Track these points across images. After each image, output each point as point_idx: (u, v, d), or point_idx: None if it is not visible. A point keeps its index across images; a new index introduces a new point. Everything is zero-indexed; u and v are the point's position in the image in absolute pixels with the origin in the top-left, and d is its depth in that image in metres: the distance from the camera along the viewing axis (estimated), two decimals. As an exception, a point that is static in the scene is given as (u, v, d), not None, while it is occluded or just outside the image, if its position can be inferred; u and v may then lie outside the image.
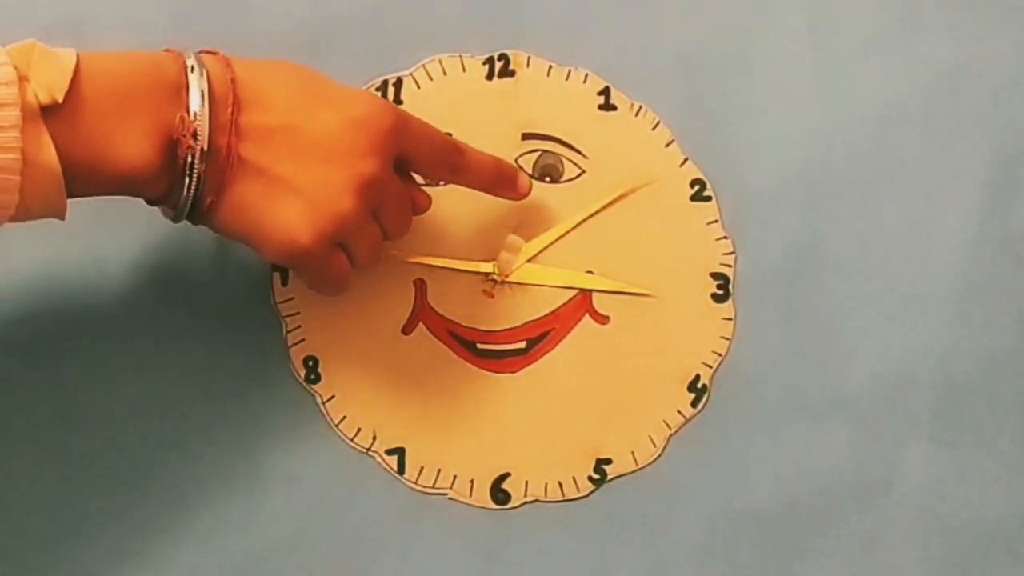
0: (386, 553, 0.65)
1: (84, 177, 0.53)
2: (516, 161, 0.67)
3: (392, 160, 0.59)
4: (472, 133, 0.67)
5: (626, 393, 0.66)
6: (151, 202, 0.58)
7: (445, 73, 0.68)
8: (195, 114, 0.55)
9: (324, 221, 0.57)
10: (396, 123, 0.59)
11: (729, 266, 0.67)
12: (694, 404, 0.67)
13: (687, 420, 0.67)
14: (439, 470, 0.66)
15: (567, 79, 0.68)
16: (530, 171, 0.67)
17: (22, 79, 0.51)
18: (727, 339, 0.67)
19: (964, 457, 0.66)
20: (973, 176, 0.68)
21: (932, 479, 0.66)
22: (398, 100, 0.68)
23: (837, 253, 0.68)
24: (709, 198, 0.68)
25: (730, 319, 0.67)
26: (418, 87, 0.68)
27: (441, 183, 0.66)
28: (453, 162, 0.63)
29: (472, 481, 0.66)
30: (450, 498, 0.66)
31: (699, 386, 0.67)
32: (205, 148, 0.55)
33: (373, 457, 0.66)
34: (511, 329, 0.67)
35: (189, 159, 0.55)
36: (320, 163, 0.57)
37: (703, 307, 0.67)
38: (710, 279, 0.67)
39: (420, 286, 0.67)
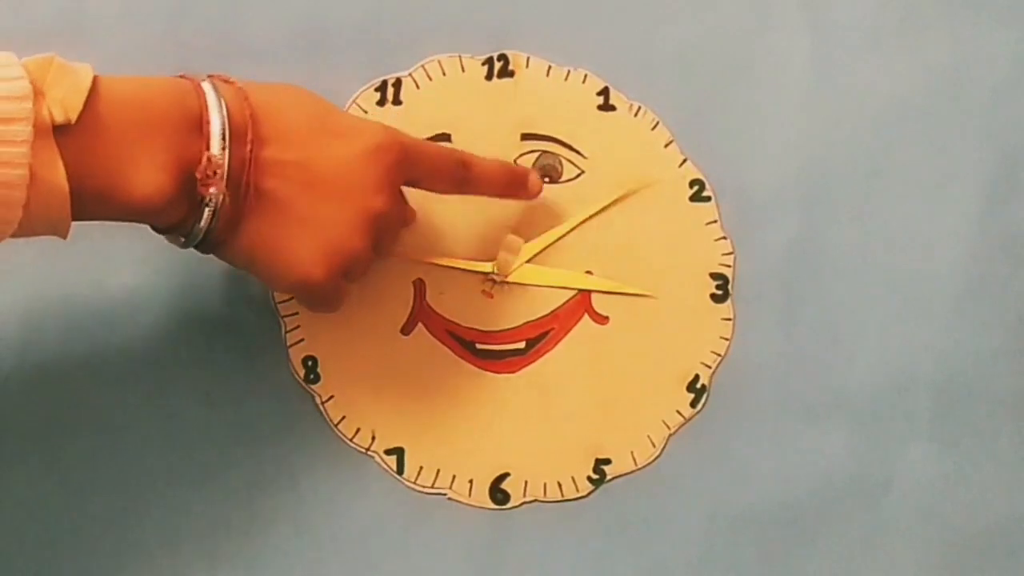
0: (385, 553, 0.65)
1: (93, 202, 0.53)
2: (515, 161, 0.67)
3: (399, 189, 0.60)
4: (471, 133, 0.67)
5: (625, 393, 0.66)
6: (160, 230, 0.58)
7: (444, 73, 0.68)
8: (216, 152, 0.55)
9: (335, 256, 0.58)
10: (402, 153, 0.59)
11: (728, 266, 0.67)
12: (693, 404, 0.67)
13: (686, 420, 0.66)
14: (438, 470, 0.66)
15: (566, 79, 0.68)
16: (530, 171, 0.68)
17: (37, 94, 0.50)
18: (726, 339, 0.67)
19: (964, 457, 0.66)
20: (973, 176, 0.68)
21: (932, 479, 0.66)
22: (397, 100, 0.68)
23: (836, 253, 0.68)
24: (708, 198, 0.68)
25: (729, 319, 0.67)
26: (417, 87, 0.68)
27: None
28: (461, 177, 0.63)
29: (471, 481, 0.66)
30: (449, 498, 0.66)
31: (698, 386, 0.67)
32: (225, 188, 0.55)
33: (372, 457, 0.66)
34: (510, 329, 0.67)
35: (208, 197, 0.55)
36: (333, 198, 0.57)
37: (702, 307, 0.67)
38: (709, 279, 0.67)
39: (419, 286, 0.67)
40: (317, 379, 0.66)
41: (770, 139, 0.68)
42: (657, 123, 0.68)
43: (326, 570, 0.65)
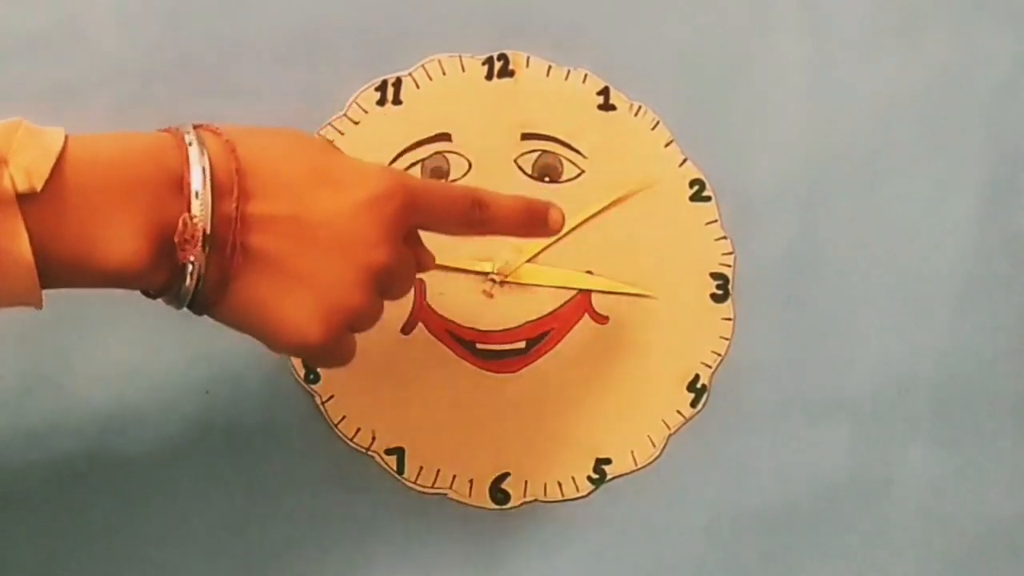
0: (385, 553, 0.65)
1: (65, 270, 0.50)
2: (515, 161, 0.67)
3: (402, 238, 0.56)
4: (471, 133, 0.67)
5: (625, 393, 0.66)
6: (148, 295, 0.55)
7: (444, 73, 0.68)
8: (196, 213, 0.51)
9: (335, 315, 0.54)
10: (406, 200, 0.55)
11: (728, 266, 0.67)
12: (693, 404, 0.67)
13: (686, 420, 0.66)
14: (438, 470, 0.66)
15: (566, 79, 0.68)
16: (529, 171, 0.67)
17: (0, 161, 0.48)
18: (726, 339, 0.67)
19: (964, 457, 0.66)
20: (973, 176, 0.68)
21: (932, 479, 0.66)
22: (397, 100, 0.68)
23: (837, 253, 0.68)
24: (708, 198, 0.68)
25: (729, 319, 0.67)
26: (417, 87, 0.68)
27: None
28: (475, 218, 0.59)
29: (471, 481, 0.66)
30: (449, 498, 0.66)
31: (698, 386, 0.67)
32: (207, 249, 0.51)
33: (372, 457, 0.66)
34: (510, 329, 0.67)
35: (191, 260, 0.51)
36: (329, 253, 0.54)
37: (702, 307, 0.67)
38: (709, 279, 0.67)
39: (419, 286, 0.67)
40: (317, 379, 0.66)
41: (770, 139, 0.68)
42: (657, 123, 0.68)
43: (326, 570, 0.65)
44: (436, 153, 0.67)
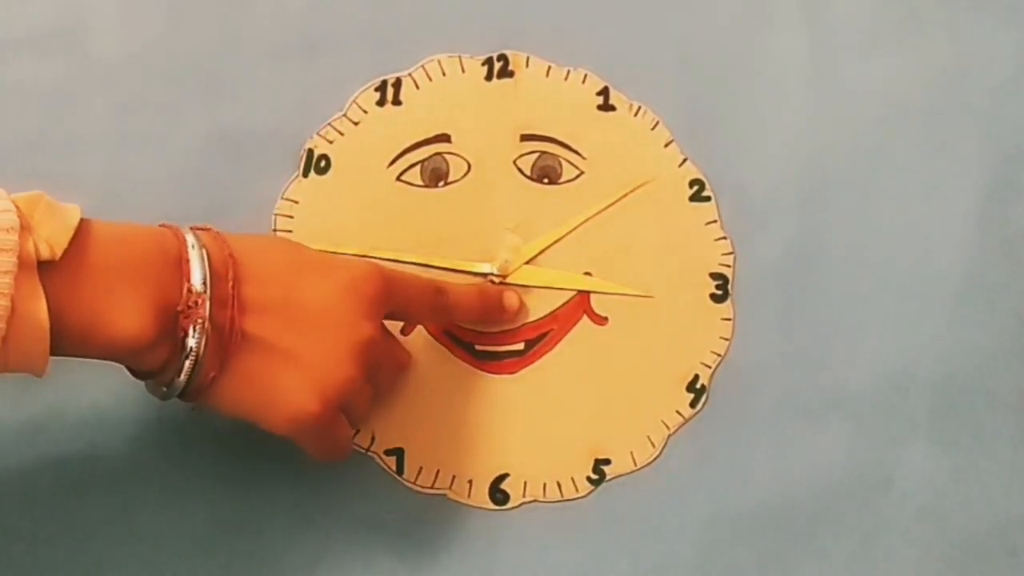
0: (385, 553, 0.65)
1: (73, 339, 0.52)
2: (515, 162, 0.67)
3: (382, 319, 0.60)
4: (471, 133, 0.67)
5: (625, 394, 0.66)
6: (143, 375, 0.57)
7: (444, 73, 0.68)
8: (197, 289, 0.54)
9: (329, 389, 0.57)
10: (384, 283, 0.59)
11: (728, 266, 0.67)
12: (693, 404, 0.67)
13: (686, 420, 0.67)
14: (438, 470, 0.66)
15: (566, 79, 0.68)
16: (529, 172, 0.67)
17: (24, 228, 0.51)
18: (726, 339, 0.67)
19: (963, 457, 0.66)
20: (973, 176, 0.68)
21: (931, 479, 0.66)
22: (397, 100, 0.68)
23: (836, 253, 0.68)
24: (708, 198, 0.68)
25: (729, 319, 0.67)
26: (417, 87, 0.68)
27: (440, 184, 0.67)
28: (440, 304, 0.63)
29: (471, 481, 0.66)
30: (449, 498, 0.66)
31: (698, 386, 0.67)
32: (208, 322, 0.54)
33: (372, 457, 0.66)
34: (509, 330, 0.67)
35: (192, 331, 0.54)
36: (319, 332, 0.57)
37: (702, 307, 0.67)
38: (709, 279, 0.67)
39: (419, 286, 0.67)
40: (317, 379, 0.66)
41: (770, 139, 0.68)
42: (657, 123, 0.68)
43: (326, 570, 0.65)
44: (435, 154, 0.67)
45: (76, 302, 0.52)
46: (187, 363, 0.55)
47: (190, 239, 0.56)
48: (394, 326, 0.66)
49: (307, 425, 0.57)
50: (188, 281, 0.55)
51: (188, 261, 0.55)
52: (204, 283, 0.55)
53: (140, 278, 0.54)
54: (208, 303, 0.55)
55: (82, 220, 0.53)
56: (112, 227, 0.55)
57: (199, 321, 0.54)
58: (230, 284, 0.56)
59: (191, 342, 0.54)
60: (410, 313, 0.63)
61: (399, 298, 0.61)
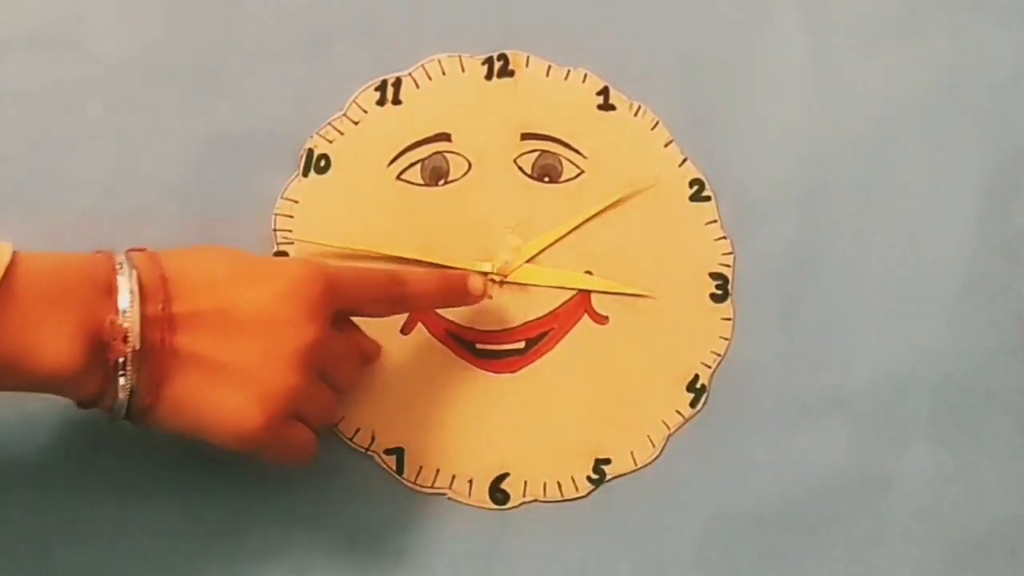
0: (385, 553, 0.65)
1: (4, 372, 0.52)
2: (515, 161, 0.67)
3: (330, 320, 0.58)
4: (471, 133, 0.67)
5: (625, 393, 0.66)
6: (84, 404, 0.56)
7: (444, 73, 0.68)
8: (124, 313, 0.53)
9: (273, 399, 0.56)
10: (327, 284, 0.58)
11: (728, 266, 0.67)
12: (693, 404, 0.67)
13: (686, 420, 0.66)
14: (438, 470, 0.66)
15: (566, 79, 0.68)
16: (529, 171, 0.67)
17: None
18: (726, 339, 0.67)
19: (963, 457, 0.66)
20: (973, 176, 0.69)
21: (931, 479, 0.66)
22: (397, 100, 0.68)
23: (836, 253, 0.68)
24: (708, 198, 0.68)
25: (729, 319, 0.67)
26: (417, 87, 0.68)
27: (441, 183, 0.67)
28: (396, 295, 0.62)
29: (471, 481, 0.66)
30: (449, 498, 0.66)
31: (698, 386, 0.67)
32: (137, 349, 0.54)
33: (372, 457, 0.66)
34: (510, 329, 0.67)
35: (121, 361, 0.54)
36: (258, 341, 0.56)
37: (702, 307, 0.67)
38: (709, 279, 0.67)
39: (419, 286, 0.67)
40: (317, 379, 0.66)
41: (770, 139, 0.68)
42: (657, 123, 0.68)
43: (326, 570, 0.65)
44: (436, 153, 0.67)
45: (4, 336, 0.52)
46: (120, 389, 0.54)
47: (120, 263, 0.55)
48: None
49: (255, 439, 0.56)
50: (115, 309, 0.54)
51: (116, 288, 0.54)
52: (132, 307, 0.54)
53: (68, 307, 0.53)
54: (137, 327, 0.54)
55: (15, 254, 0.53)
56: (44, 258, 0.54)
57: (129, 346, 0.54)
58: (160, 304, 0.55)
59: (121, 369, 0.54)
60: (364, 308, 0.62)
61: (348, 295, 0.60)
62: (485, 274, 0.67)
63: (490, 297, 0.67)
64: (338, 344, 0.60)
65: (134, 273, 0.55)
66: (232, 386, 0.55)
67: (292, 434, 0.59)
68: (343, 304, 0.60)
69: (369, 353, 0.64)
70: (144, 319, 0.54)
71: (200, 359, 0.55)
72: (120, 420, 0.56)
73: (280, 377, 0.56)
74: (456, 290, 0.65)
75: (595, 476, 0.66)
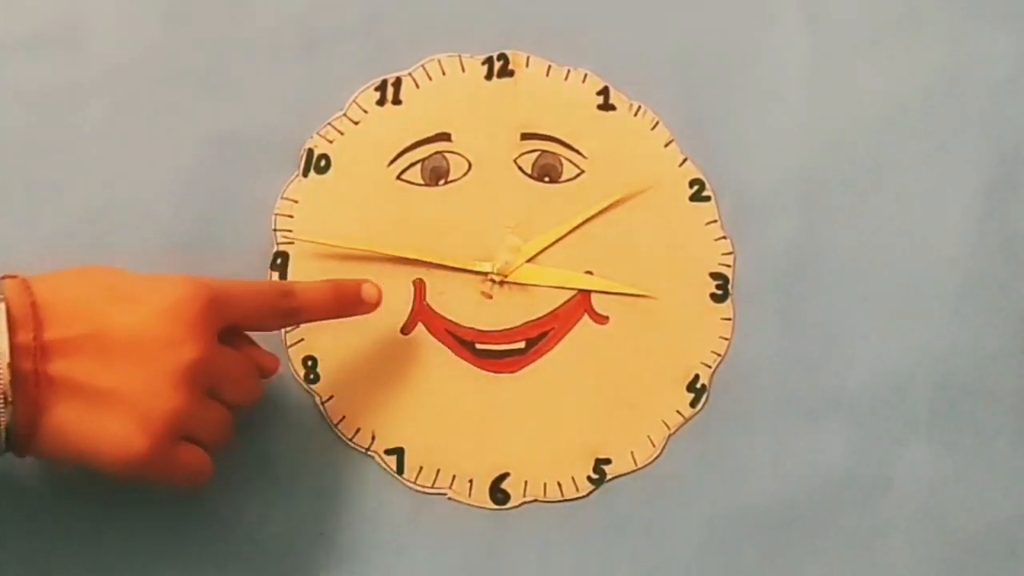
0: (385, 553, 0.65)
1: None
2: (515, 161, 0.67)
3: (215, 336, 0.57)
4: (471, 133, 0.67)
5: (625, 393, 0.66)
6: None
7: (444, 73, 0.68)
8: None
9: (156, 423, 0.54)
10: (209, 300, 0.56)
11: (728, 266, 0.67)
12: (693, 404, 0.67)
13: (686, 420, 0.66)
14: (438, 470, 0.66)
15: (566, 79, 0.68)
16: (529, 171, 0.67)
17: None
18: (726, 339, 0.67)
19: (963, 457, 0.66)
20: (973, 176, 0.68)
21: (931, 479, 0.66)
22: (397, 100, 0.68)
23: (836, 253, 0.68)
24: (708, 198, 0.68)
25: (729, 319, 0.67)
26: (417, 87, 0.68)
27: (441, 183, 0.66)
28: (285, 308, 0.61)
29: (471, 481, 0.66)
30: (449, 498, 0.66)
31: (698, 386, 0.67)
32: (7, 381, 0.52)
33: (372, 457, 0.66)
34: (510, 329, 0.67)
35: None
36: (136, 364, 0.54)
37: (702, 307, 0.67)
38: (709, 279, 0.67)
39: (419, 286, 0.67)
40: (317, 379, 0.66)
41: (770, 139, 0.68)
42: (657, 123, 0.68)
43: (326, 570, 0.65)
44: (436, 153, 0.67)
45: None
46: None
47: None
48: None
49: (141, 464, 0.54)
50: None
51: None
52: (0, 337, 0.52)
53: None
54: (7, 357, 0.52)
55: None
56: None
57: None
58: (31, 333, 0.53)
59: None
60: (251, 322, 0.60)
61: (233, 310, 0.58)
62: (486, 274, 0.67)
63: (490, 297, 0.67)
64: (228, 360, 0.58)
65: (1, 303, 0.53)
66: (113, 412, 0.54)
67: (182, 456, 0.57)
68: (229, 319, 0.58)
69: (266, 367, 0.62)
70: (14, 349, 0.52)
71: (78, 386, 0.54)
72: (3, 453, 0.54)
73: (162, 400, 0.54)
74: (349, 299, 0.63)
75: (595, 476, 0.66)
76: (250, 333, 0.64)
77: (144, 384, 0.54)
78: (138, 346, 0.54)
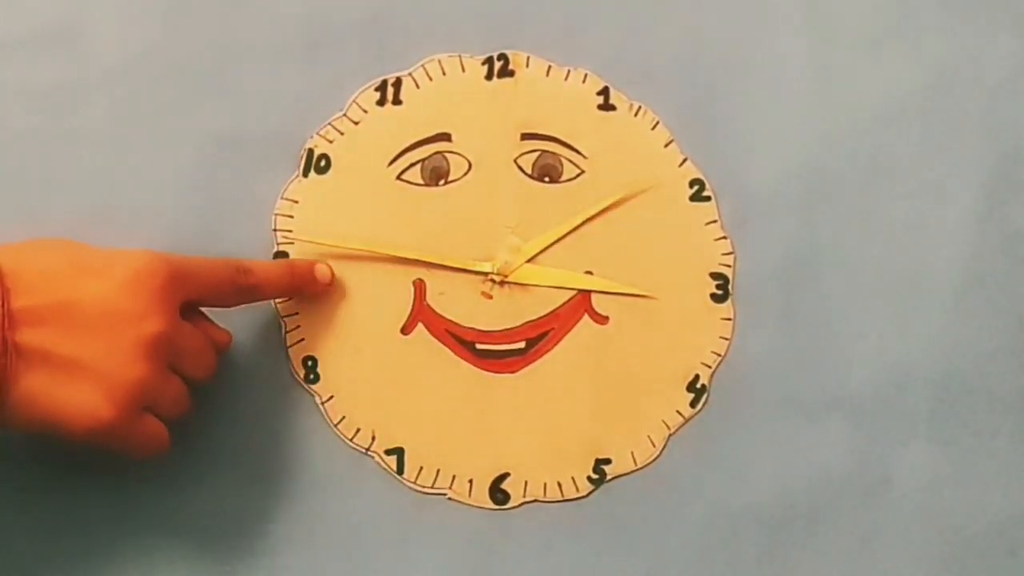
0: (385, 553, 0.65)
1: None
2: (515, 161, 0.67)
3: (177, 309, 0.58)
4: (471, 133, 0.67)
5: (625, 393, 0.66)
6: None
7: (444, 73, 0.68)
8: None
9: (121, 391, 0.55)
10: (171, 273, 0.57)
11: (728, 266, 0.67)
12: (693, 404, 0.67)
13: (686, 420, 0.66)
14: (438, 470, 0.66)
15: (566, 79, 0.68)
16: (529, 171, 0.67)
17: None
18: (726, 339, 0.67)
19: (963, 456, 0.66)
20: (972, 176, 0.68)
21: (931, 478, 0.66)
22: (397, 100, 0.68)
23: (836, 253, 0.68)
24: (708, 198, 0.68)
25: (729, 319, 0.67)
26: (417, 87, 0.68)
27: (441, 183, 0.66)
28: (242, 284, 0.62)
29: (471, 481, 0.66)
30: (449, 498, 0.66)
31: (698, 386, 0.67)
32: None
33: (372, 457, 0.66)
34: (510, 329, 0.67)
35: None
36: (102, 334, 0.55)
37: (702, 307, 0.67)
38: (709, 279, 0.67)
39: (419, 286, 0.67)
40: (317, 379, 0.66)
41: (770, 139, 0.68)
42: (657, 123, 0.68)
43: (325, 570, 0.65)
44: (436, 153, 0.67)
45: None
46: None
47: None
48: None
49: (106, 432, 0.55)
50: None
51: None
52: None
53: None
54: None
55: None
56: None
57: None
58: None
59: None
60: (211, 297, 0.61)
61: (194, 285, 0.59)
62: (486, 274, 0.67)
63: (490, 297, 0.67)
64: (187, 334, 0.59)
65: None
66: (80, 381, 0.55)
67: (143, 426, 0.58)
68: (189, 294, 0.59)
69: (220, 342, 0.63)
70: None
71: (45, 354, 0.55)
72: None
73: (127, 369, 0.56)
74: (303, 277, 0.65)
75: (595, 476, 0.66)
76: (250, 334, 0.64)
77: (110, 355, 0.55)
78: (104, 317, 0.55)
